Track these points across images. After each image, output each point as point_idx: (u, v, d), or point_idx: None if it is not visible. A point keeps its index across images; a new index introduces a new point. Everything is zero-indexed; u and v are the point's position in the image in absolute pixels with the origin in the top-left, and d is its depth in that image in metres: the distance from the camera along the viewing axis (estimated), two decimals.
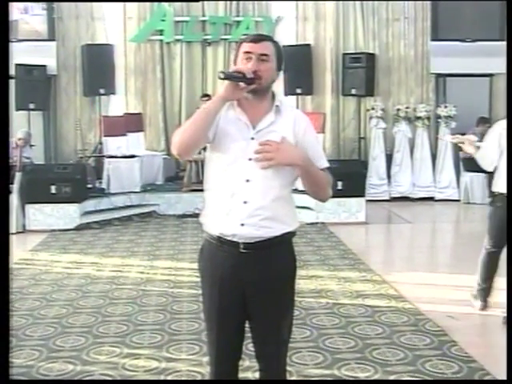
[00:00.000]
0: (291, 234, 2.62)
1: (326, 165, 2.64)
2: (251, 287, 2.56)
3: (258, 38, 2.57)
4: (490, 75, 10.94)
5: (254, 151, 2.45)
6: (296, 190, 2.72)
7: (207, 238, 2.64)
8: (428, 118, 10.81)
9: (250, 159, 2.48)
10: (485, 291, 5.01)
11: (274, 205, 2.52)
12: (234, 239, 2.52)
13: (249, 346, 2.73)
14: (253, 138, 2.52)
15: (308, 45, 10.93)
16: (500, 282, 4.88)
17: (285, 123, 2.57)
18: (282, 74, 2.67)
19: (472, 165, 10.15)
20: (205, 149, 2.67)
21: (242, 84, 2.48)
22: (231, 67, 2.57)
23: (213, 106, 2.49)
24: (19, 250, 7.37)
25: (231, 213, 2.52)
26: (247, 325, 2.66)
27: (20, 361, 4.05)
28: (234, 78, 2.48)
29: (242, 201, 2.50)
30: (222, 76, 2.48)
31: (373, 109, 10.76)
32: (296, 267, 2.67)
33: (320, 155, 2.63)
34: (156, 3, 10.82)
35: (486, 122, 10.37)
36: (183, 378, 3.78)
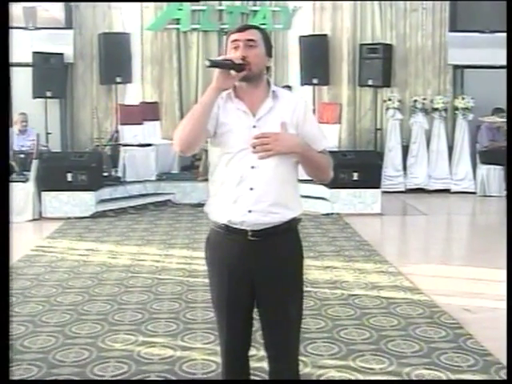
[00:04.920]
0: (297, 221, 2.65)
1: (327, 145, 2.67)
2: (260, 274, 2.57)
3: (244, 27, 2.59)
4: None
5: (251, 144, 2.45)
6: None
7: (213, 227, 2.65)
8: (445, 110, 10.71)
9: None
10: None
11: (279, 190, 2.54)
12: (242, 227, 2.54)
13: None
14: (255, 127, 2.52)
15: (325, 35, 10.85)
16: (501, 274, 4.88)
17: (284, 107, 2.57)
18: (272, 60, 2.67)
19: (489, 157, 10.23)
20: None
21: (232, 72, 2.47)
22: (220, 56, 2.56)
23: (207, 98, 2.47)
24: (35, 237, 7.44)
25: (238, 200, 2.53)
26: (256, 314, 2.67)
27: (36, 346, 4.09)
28: (221, 65, 2.46)
29: (248, 187, 2.52)
30: (208, 64, 2.46)
31: (389, 100, 10.68)
32: (303, 254, 2.69)
33: (321, 137, 2.66)
34: None
35: (500, 112, 10.30)
36: (198, 367, 3.79)
